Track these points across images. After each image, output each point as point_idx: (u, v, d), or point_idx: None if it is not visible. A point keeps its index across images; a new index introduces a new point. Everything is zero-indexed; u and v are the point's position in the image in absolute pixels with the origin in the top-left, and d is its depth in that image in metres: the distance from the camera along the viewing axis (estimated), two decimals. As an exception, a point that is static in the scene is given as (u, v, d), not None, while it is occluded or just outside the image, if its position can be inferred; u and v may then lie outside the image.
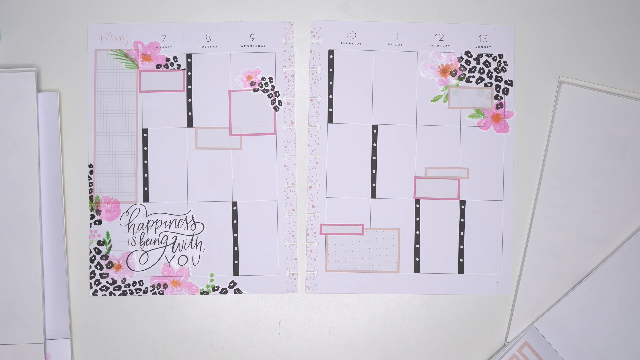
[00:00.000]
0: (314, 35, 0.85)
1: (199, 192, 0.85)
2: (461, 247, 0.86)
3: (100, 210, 0.84)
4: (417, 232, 0.86)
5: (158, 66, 0.85)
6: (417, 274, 0.86)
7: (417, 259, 0.86)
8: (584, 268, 0.85)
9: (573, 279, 0.85)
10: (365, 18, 0.85)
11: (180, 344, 0.85)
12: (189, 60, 0.85)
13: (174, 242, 0.85)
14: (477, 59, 0.86)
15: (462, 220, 0.86)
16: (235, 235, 0.85)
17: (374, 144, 0.86)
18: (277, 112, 0.85)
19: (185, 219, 0.85)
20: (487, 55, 0.86)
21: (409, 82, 0.86)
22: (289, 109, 0.85)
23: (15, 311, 0.81)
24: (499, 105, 0.86)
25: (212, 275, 0.85)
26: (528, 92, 0.86)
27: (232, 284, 0.85)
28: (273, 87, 0.85)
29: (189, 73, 0.85)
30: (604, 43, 0.86)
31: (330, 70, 0.85)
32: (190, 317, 0.85)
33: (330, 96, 0.85)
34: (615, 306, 0.84)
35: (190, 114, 0.85)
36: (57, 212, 0.83)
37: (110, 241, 0.84)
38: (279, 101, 0.85)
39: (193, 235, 0.85)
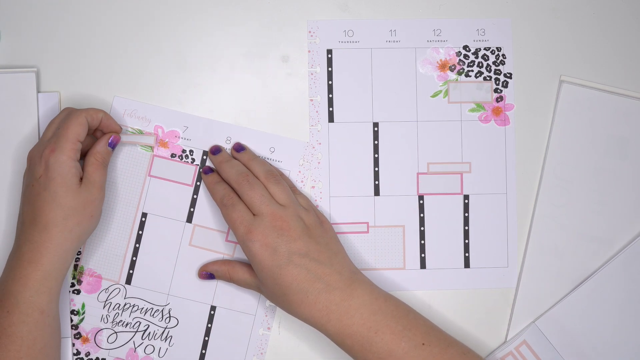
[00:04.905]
0: (311, 35, 0.86)
1: (181, 288, 0.83)
2: (466, 241, 0.85)
3: (82, 281, 0.83)
4: (422, 228, 0.85)
5: (173, 155, 0.84)
6: (423, 270, 0.85)
7: (422, 255, 0.85)
8: (584, 268, 0.85)
9: (573, 278, 0.85)
10: (365, 18, 0.86)
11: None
12: (204, 157, 0.84)
13: (145, 330, 0.83)
14: (476, 53, 0.86)
15: (466, 214, 0.85)
16: (207, 338, 0.83)
17: (376, 142, 0.85)
18: None
19: (162, 310, 0.83)
20: (485, 48, 0.86)
21: (409, 79, 0.86)
22: None
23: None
24: (499, 99, 0.86)
25: None
26: (528, 90, 0.86)
27: None
28: None
29: (201, 170, 0.84)
30: (604, 43, 0.87)
31: (329, 69, 0.85)
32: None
33: (330, 95, 0.85)
34: (617, 308, 0.84)
35: (192, 209, 0.84)
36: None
37: (84, 313, 0.83)
38: None
39: (165, 328, 0.83)
